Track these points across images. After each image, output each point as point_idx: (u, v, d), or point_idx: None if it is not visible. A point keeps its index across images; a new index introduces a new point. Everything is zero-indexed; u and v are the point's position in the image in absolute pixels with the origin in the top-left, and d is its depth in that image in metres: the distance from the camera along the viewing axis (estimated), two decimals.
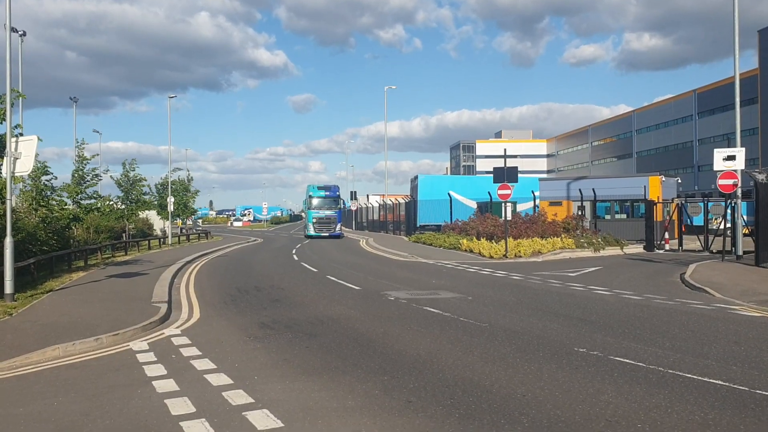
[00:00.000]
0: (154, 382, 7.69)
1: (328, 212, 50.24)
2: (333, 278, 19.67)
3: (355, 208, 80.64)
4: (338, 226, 50.88)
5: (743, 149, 23.17)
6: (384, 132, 56.47)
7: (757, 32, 63.76)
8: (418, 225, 46.47)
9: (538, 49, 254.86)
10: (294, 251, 35.24)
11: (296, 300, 15.02)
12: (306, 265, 25.11)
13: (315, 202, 50.33)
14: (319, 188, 51.02)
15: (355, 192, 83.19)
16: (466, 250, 30.06)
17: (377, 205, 68.35)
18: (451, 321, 11.68)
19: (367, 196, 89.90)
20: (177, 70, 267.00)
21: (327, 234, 49.88)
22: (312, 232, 50.35)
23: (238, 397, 6.92)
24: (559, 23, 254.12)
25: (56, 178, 22.18)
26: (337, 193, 51.61)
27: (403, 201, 53.31)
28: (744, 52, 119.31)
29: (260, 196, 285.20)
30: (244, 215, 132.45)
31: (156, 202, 47.08)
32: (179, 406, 6.68)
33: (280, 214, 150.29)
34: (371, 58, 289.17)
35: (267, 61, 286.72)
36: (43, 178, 21.56)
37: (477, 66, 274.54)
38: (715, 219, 32.14)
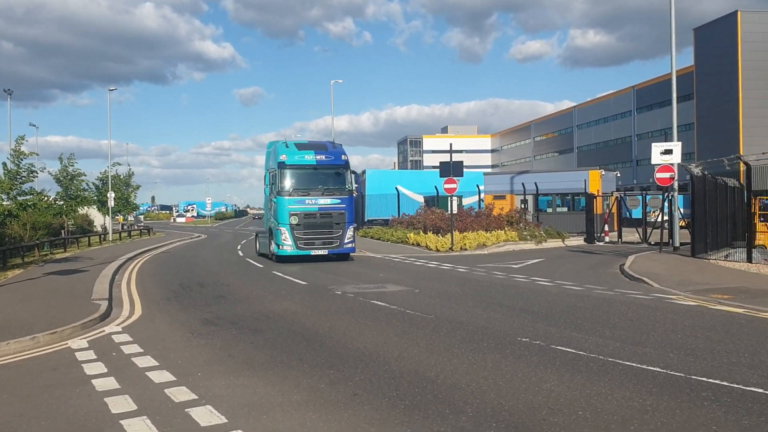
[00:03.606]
0: (93, 381, 7.49)
1: (326, 200, 23.10)
2: (279, 273, 19.51)
3: None
4: (349, 231, 23.52)
5: (680, 143, 23.89)
6: (332, 126, 56.32)
7: (693, 31, 65.81)
8: (366, 219, 46.46)
9: (486, 45, 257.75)
10: (239, 247, 34.81)
11: (241, 296, 14.84)
12: (251, 261, 24.84)
13: (292, 176, 23.05)
14: (301, 146, 24.04)
15: None
16: (413, 244, 30.22)
17: None
18: (397, 314, 11.72)
19: None
20: (120, 62, 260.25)
21: (325, 250, 23.04)
22: (287, 247, 22.71)
23: (181, 394, 6.79)
24: (507, 19, 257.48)
25: None
26: (343, 158, 24.12)
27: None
28: (683, 49, 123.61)
29: (204, 191, 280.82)
30: (188, 211, 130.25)
31: (96, 198, 45.83)
32: (120, 404, 6.53)
33: (224, 210, 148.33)
34: (321, 51, 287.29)
35: (214, 53, 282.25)
36: None
37: (426, 61, 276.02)
38: (653, 212, 33.11)
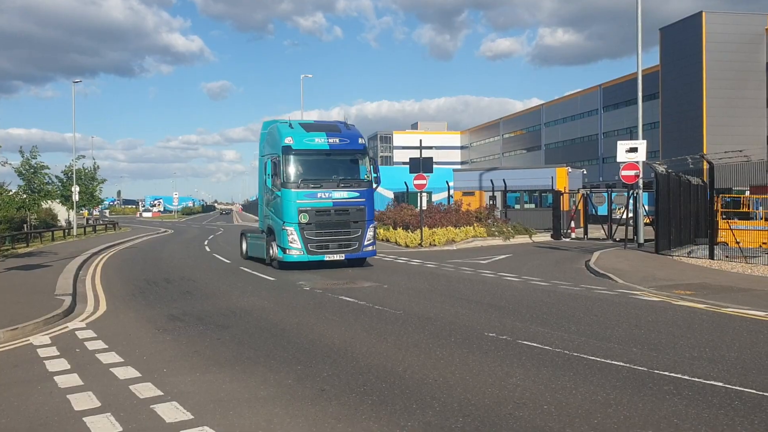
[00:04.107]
0: (56, 378, 7.36)
1: (343, 194, 18.96)
2: (247, 269, 19.38)
3: None
4: (370, 231, 19.38)
5: (645, 142, 24.26)
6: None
7: (659, 30, 66.82)
8: None
9: (456, 42, 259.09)
10: (206, 242, 34.51)
11: (208, 291, 14.71)
12: (219, 257, 24.64)
13: (301, 164, 18.79)
14: (309, 127, 19.81)
15: None
16: (382, 240, 30.23)
17: None
18: (366, 309, 11.73)
19: None
20: (86, 54, 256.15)
21: (341, 255, 18.80)
22: (295, 251, 18.37)
23: (146, 390, 6.72)
24: (477, 17, 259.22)
25: None
26: (360, 141, 20.18)
27: None
28: (650, 49, 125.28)
29: (171, 185, 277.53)
30: (154, 206, 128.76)
31: (60, 192, 45.00)
32: (83, 401, 6.43)
33: (191, 205, 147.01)
34: (290, 45, 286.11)
35: (182, 46, 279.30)
36: None
37: (397, 57, 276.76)
38: (619, 209, 33.58)
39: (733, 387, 6.50)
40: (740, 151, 19.00)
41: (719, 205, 22.91)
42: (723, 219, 22.57)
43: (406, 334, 9.43)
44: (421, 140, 31.72)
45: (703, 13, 61.28)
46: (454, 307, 11.88)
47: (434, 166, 28.54)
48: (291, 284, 15.58)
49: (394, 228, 31.51)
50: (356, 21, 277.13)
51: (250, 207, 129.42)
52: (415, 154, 28.28)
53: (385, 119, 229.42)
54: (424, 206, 28.28)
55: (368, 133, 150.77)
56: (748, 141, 48.16)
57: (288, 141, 18.54)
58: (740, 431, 5.34)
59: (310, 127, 19.66)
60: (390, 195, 43.92)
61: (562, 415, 5.76)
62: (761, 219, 25.10)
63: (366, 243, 19.07)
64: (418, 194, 27.70)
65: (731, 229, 21.32)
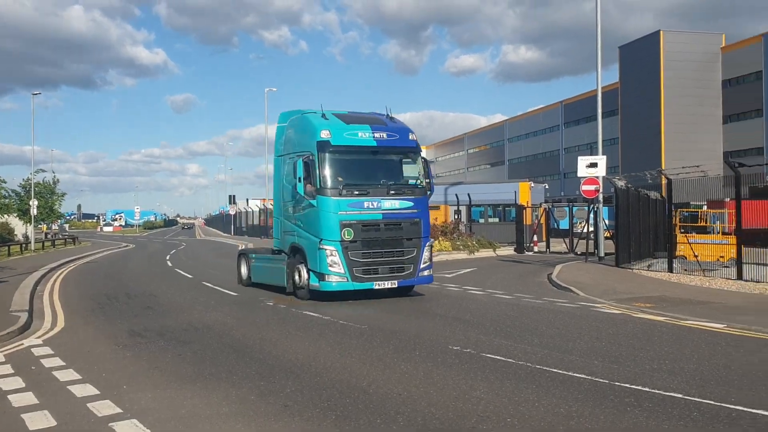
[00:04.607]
0: (10, 396, 7.15)
1: (394, 203, 14.87)
2: (209, 284, 19.14)
3: (233, 213, 79.02)
4: (426, 251, 15.21)
5: (605, 157, 24.70)
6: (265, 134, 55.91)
7: (618, 48, 68.31)
8: None
9: (422, 57, 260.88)
10: (168, 257, 34.04)
11: (170, 307, 14.48)
12: (181, 272, 24.31)
13: (342, 165, 14.82)
14: (348, 118, 15.59)
15: (234, 196, 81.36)
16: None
17: (258, 209, 67.32)
18: (330, 324, 11.66)
19: (247, 200, 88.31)
20: (47, 65, 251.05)
21: (393, 282, 14.57)
22: (336, 277, 14.15)
23: (104, 408, 6.56)
24: (442, 32, 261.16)
25: None
26: (411, 137, 15.80)
27: None
28: (609, 66, 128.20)
29: (133, 199, 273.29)
30: (115, 220, 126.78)
31: (17, 206, 43.99)
32: (38, 420, 6.25)
33: (153, 219, 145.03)
34: (255, 58, 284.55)
35: (146, 59, 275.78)
36: None
37: (363, 71, 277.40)
38: (580, 223, 34.08)
39: (692, 398, 6.60)
40: (697, 166, 19.45)
41: (677, 219, 23.42)
42: (681, 233, 23.05)
43: (370, 349, 9.40)
44: None
45: (661, 32, 62.90)
46: (419, 321, 11.89)
47: None
48: (254, 299, 15.43)
49: None
50: (322, 35, 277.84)
51: (213, 221, 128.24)
52: None
53: None
54: None
55: None
56: (705, 157, 49.24)
57: (325, 135, 14.53)
58: None
59: (348, 118, 15.56)
60: None
61: (524, 428, 5.79)
62: (718, 233, 25.73)
63: (422, 266, 15.02)
64: None
65: (689, 243, 21.75)
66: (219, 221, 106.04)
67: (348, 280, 14.17)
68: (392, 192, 14.86)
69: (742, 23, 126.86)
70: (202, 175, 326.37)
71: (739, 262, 17.52)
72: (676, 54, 61.56)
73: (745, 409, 6.20)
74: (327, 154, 14.42)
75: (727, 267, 19.38)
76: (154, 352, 9.47)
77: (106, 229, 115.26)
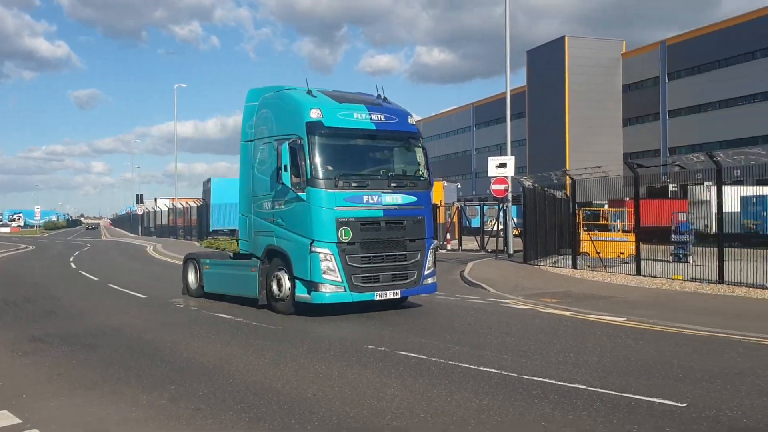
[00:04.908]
0: None
1: (396, 198, 12.58)
2: (116, 287, 18.48)
3: (141, 212, 76.56)
4: (430, 255, 13.06)
5: (513, 158, 25.42)
6: (175, 131, 54.52)
7: (526, 53, 70.48)
8: (211, 229, 45.21)
9: (336, 56, 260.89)
10: (72, 259, 32.62)
11: (74, 311, 13.89)
12: (85, 274, 23.35)
13: (337, 152, 12.68)
14: (339, 97, 13.20)
15: (142, 195, 78.87)
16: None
17: (166, 209, 65.49)
18: (243, 326, 11.50)
19: (155, 199, 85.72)
20: None
21: (396, 291, 12.39)
22: (331, 286, 11.79)
23: (2, 419, 6.24)
24: (356, 32, 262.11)
25: None
26: (410, 121, 13.72)
27: (195, 205, 51.55)
28: (517, 70, 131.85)
29: (33, 199, 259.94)
30: (13, 220, 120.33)
31: None
32: None
33: (56, 219, 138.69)
34: (165, 53, 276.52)
35: (47, 51, 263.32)
36: None
37: (277, 68, 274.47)
38: (490, 221, 34.94)
39: (595, 389, 6.91)
40: (599, 167, 20.36)
41: (581, 217, 24.44)
42: (584, 231, 24.05)
43: (284, 350, 9.34)
44: None
45: (566, 38, 65.42)
46: (332, 321, 11.89)
47: None
48: (164, 302, 15.02)
49: None
50: (234, 31, 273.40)
51: (119, 221, 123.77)
52: None
53: None
54: None
55: None
56: (606, 158, 51.44)
57: (315, 115, 12.12)
58: (601, 430, 5.69)
59: (338, 96, 13.20)
60: None
61: (437, 423, 5.91)
62: (619, 230, 26.98)
63: (426, 272, 12.86)
64: None
65: (592, 241, 22.76)
66: (126, 221, 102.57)
67: (345, 290, 11.84)
68: (394, 185, 12.61)
69: (642, 31, 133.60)
70: (108, 173, 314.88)
71: (638, 259, 18.47)
72: (580, 59, 64.18)
73: (643, 398, 6.56)
74: (319, 138, 12.04)
75: (627, 263, 20.40)
76: (58, 358, 9.07)
77: (3, 230, 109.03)
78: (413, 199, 12.78)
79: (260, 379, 7.62)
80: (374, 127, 12.73)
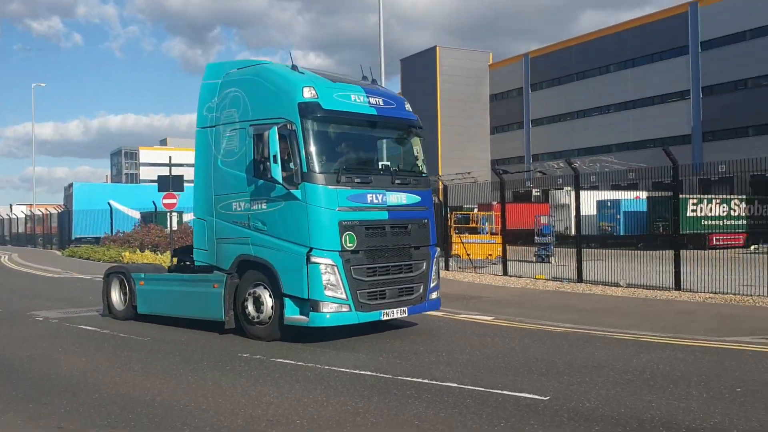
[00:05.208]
0: None
1: (400, 197, 10.56)
2: None
3: None
4: (434, 264, 11.14)
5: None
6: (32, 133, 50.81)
7: (400, 61, 72.03)
8: (73, 237, 42.77)
9: (208, 57, 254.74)
10: None
11: None
12: None
13: (338, 141, 10.59)
14: (330, 76, 10.93)
15: None
16: (127, 263, 28.53)
17: (23, 216, 61.25)
18: (109, 338, 10.98)
19: (11, 205, 79.95)
20: None
21: (402, 309, 10.28)
22: (334, 305, 9.53)
23: None
24: (230, 33, 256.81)
25: None
26: (408, 107, 11.81)
27: (56, 211, 48.57)
28: (393, 77, 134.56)
29: None
30: None
31: None
32: None
33: None
34: (21, 50, 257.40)
35: None
36: None
37: (145, 69, 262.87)
38: None
39: (466, 387, 7.18)
40: (469, 173, 21.20)
41: (452, 221, 25.27)
42: (456, 233, 24.88)
43: (155, 361, 9.02)
44: (170, 157, 30.69)
45: (438, 48, 67.49)
46: (205, 332, 11.57)
47: (186, 184, 27.65)
48: (21, 315, 14.03)
49: (141, 251, 30.02)
50: (99, 28, 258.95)
51: None
52: (165, 171, 27.24)
53: (132, 134, 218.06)
54: (175, 227, 27.26)
55: (111, 148, 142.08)
56: (475, 164, 53.65)
57: (309, 95, 9.90)
58: (471, 425, 5.92)
59: (330, 76, 11.06)
60: (136, 215, 41.51)
61: (313, 428, 5.93)
62: (487, 233, 28.11)
63: (431, 285, 10.95)
64: (168, 214, 26.64)
65: (463, 243, 23.58)
66: None
67: (351, 309, 9.69)
68: (398, 182, 10.68)
69: (507, 43, 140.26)
70: None
71: (504, 260, 19.37)
72: (451, 69, 66.43)
73: (510, 393, 6.89)
74: (316, 123, 9.86)
75: (494, 264, 21.35)
76: None
77: None
78: (417, 198, 10.92)
79: (129, 392, 7.32)
80: (375, 113, 10.72)
